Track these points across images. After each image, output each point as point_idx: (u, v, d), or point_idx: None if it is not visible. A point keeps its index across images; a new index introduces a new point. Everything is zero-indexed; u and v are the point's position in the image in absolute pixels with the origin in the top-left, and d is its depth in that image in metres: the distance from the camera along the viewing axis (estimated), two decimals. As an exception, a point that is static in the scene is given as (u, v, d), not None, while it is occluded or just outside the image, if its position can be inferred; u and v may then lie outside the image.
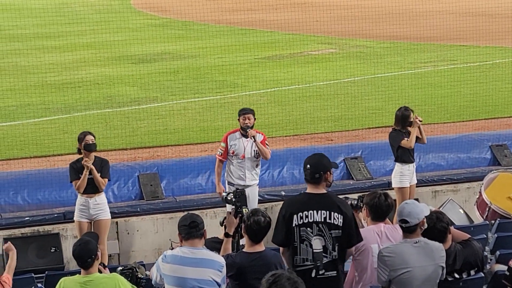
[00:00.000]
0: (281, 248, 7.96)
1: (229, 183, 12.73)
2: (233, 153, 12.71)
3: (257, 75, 25.36)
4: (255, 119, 12.82)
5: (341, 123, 19.71)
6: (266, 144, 12.84)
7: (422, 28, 30.23)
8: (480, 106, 21.04)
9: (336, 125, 19.57)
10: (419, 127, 13.24)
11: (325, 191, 7.91)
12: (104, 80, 25.12)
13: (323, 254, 7.76)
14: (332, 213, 7.76)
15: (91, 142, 12.10)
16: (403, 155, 13.24)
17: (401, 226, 7.75)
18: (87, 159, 12.01)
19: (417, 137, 13.30)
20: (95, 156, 12.25)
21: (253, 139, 12.55)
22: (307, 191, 7.94)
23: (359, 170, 14.97)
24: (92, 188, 12.11)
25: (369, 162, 15.26)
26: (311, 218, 7.75)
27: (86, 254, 7.91)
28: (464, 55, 28.06)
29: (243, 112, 12.80)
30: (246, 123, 12.62)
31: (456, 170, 15.47)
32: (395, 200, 11.47)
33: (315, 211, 7.75)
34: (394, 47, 30.77)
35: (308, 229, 7.75)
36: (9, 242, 9.22)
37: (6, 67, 26.18)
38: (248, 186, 12.47)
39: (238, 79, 25.04)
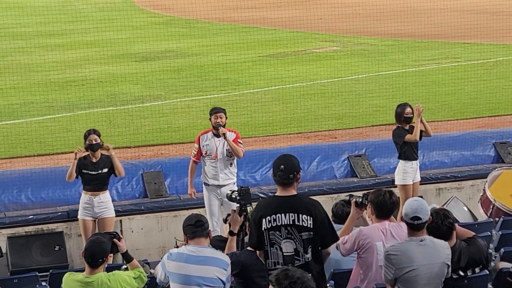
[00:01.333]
0: (257, 251, 7.88)
1: (205, 184, 12.81)
2: (205, 153, 12.70)
3: (260, 73, 25.35)
4: (226, 118, 12.78)
5: (344, 121, 19.70)
6: (239, 142, 12.78)
7: (425, 26, 30.20)
8: (483, 103, 21.02)
9: (340, 123, 19.57)
10: (421, 120, 13.16)
11: (295, 193, 7.77)
12: (108, 78, 25.13)
13: (295, 257, 7.64)
14: (300, 215, 7.61)
15: (94, 142, 12.12)
16: (407, 152, 13.22)
17: (411, 224, 7.67)
18: (79, 147, 12.06)
19: (422, 131, 13.25)
20: (101, 154, 12.25)
21: (223, 136, 12.52)
22: (277, 193, 7.80)
23: (363, 167, 14.95)
24: (97, 185, 12.12)
25: (373, 159, 15.24)
26: (279, 221, 7.63)
27: (99, 254, 7.89)
28: (467, 53, 28.05)
29: (215, 111, 12.75)
30: (218, 122, 12.57)
31: (460, 167, 15.46)
32: (398, 198, 11.47)
33: (283, 214, 7.63)
34: (398, 44, 30.75)
35: (277, 232, 7.64)
36: None
37: (9, 65, 26.17)
38: (223, 185, 12.54)
39: (242, 77, 25.03)
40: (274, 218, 7.64)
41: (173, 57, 29.07)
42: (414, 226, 7.67)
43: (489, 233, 10.38)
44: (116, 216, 12.60)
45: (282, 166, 7.71)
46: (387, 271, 7.69)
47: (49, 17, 32.01)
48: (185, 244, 7.83)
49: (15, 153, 17.28)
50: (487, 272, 8.36)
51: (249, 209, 9.42)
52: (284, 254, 7.63)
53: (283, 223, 7.63)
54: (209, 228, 7.95)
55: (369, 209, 8.51)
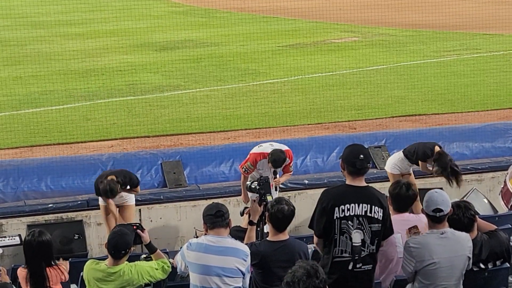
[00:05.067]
0: (315, 238, 7.82)
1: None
2: (259, 172, 12.51)
3: (279, 63, 25.32)
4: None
5: (364, 112, 19.64)
6: (290, 167, 12.62)
7: (445, 16, 30.06)
8: (504, 95, 20.92)
9: (360, 114, 19.51)
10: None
11: (366, 184, 7.78)
12: (127, 68, 25.15)
13: (362, 248, 7.66)
14: (373, 206, 7.62)
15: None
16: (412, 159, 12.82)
17: (433, 216, 7.65)
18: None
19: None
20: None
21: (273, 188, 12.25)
22: (348, 183, 7.77)
23: (383, 159, 14.86)
24: None
25: (392, 151, 15.14)
26: (352, 211, 7.61)
27: (122, 246, 7.90)
28: (488, 44, 27.92)
29: (276, 166, 12.13)
30: (276, 171, 12.26)
31: (480, 159, 15.34)
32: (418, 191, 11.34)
33: (356, 204, 7.61)
34: (418, 35, 30.63)
35: (349, 222, 7.61)
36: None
37: (29, 54, 26.27)
38: None
39: (261, 67, 25.02)
40: (348, 207, 7.63)
41: (193, 46, 29.08)
42: (436, 218, 7.64)
43: (510, 226, 10.30)
44: (135, 205, 12.60)
45: (361, 156, 7.68)
46: (407, 263, 7.67)
47: (69, 6, 32.06)
48: (205, 234, 7.83)
49: (34, 141, 17.32)
50: (508, 265, 8.32)
51: (268, 198, 9.42)
52: (353, 244, 7.63)
53: (356, 213, 7.62)
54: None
55: (388, 199, 8.49)
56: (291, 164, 12.60)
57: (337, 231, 7.63)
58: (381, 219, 7.66)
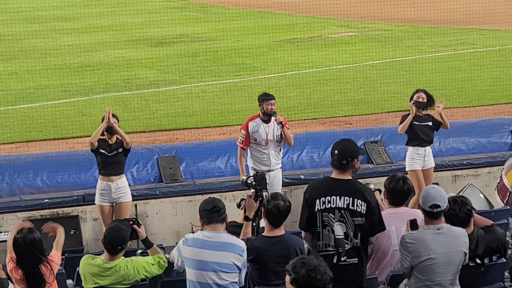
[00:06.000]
0: (303, 232, 7.82)
1: (254, 170, 12.51)
2: (255, 140, 12.50)
3: (275, 58, 25.31)
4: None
5: (360, 107, 19.64)
6: (287, 128, 12.68)
7: (442, 12, 30.06)
8: (500, 90, 20.92)
9: (356, 109, 19.51)
10: (440, 113, 13.11)
11: (350, 178, 7.74)
12: (123, 63, 25.13)
13: (345, 241, 7.65)
14: (356, 200, 7.60)
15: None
16: (412, 138, 13.14)
17: (430, 212, 7.63)
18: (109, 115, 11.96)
19: (439, 123, 13.17)
20: (117, 138, 12.19)
21: (280, 125, 12.35)
22: (332, 176, 7.77)
23: (379, 154, 14.87)
24: (113, 169, 12.07)
25: (388, 146, 15.17)
26: (333, 204, 7.61)
27: (118, 242, 7.89)
28: (484, 39, 27.92)
29: (268, 98, 12.43)
30: (272, 109, 12.36)
31: (476, 154, 15.37)
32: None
33: (338, 197, 7.61)
34: (414, 30, 30.62)
35: (330, 214, 7.61)
36: (49, 223, 9.02)
37: (25, 48, 26.22)
38: (272, 170, 12.44)
39: (257, 62, 25.00)
40: (329, 200, 7.63)
41: (188, 41, 29.06)
42: (433, 214, 7.61)
43: (506, 221, 10.30)
44: (131, 200, 12.59)
45: (336, 151, 7.70)
46: (403, 259, 7.65)
47: (64, 0, 32.05)
48: (201, 229, 7.81)
49: (30, 136, 17.32)
50: (504, 260, 8.32)
51: (264, 194, 9.40)
52: (336, 236, 7.62)
53: (337, 206, 7.62)
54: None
55: (384, 193, 8.49)
56: (287, 126, 12.61)
57: (319, 224, 7.64)
58: (364, 212, 7.63)
